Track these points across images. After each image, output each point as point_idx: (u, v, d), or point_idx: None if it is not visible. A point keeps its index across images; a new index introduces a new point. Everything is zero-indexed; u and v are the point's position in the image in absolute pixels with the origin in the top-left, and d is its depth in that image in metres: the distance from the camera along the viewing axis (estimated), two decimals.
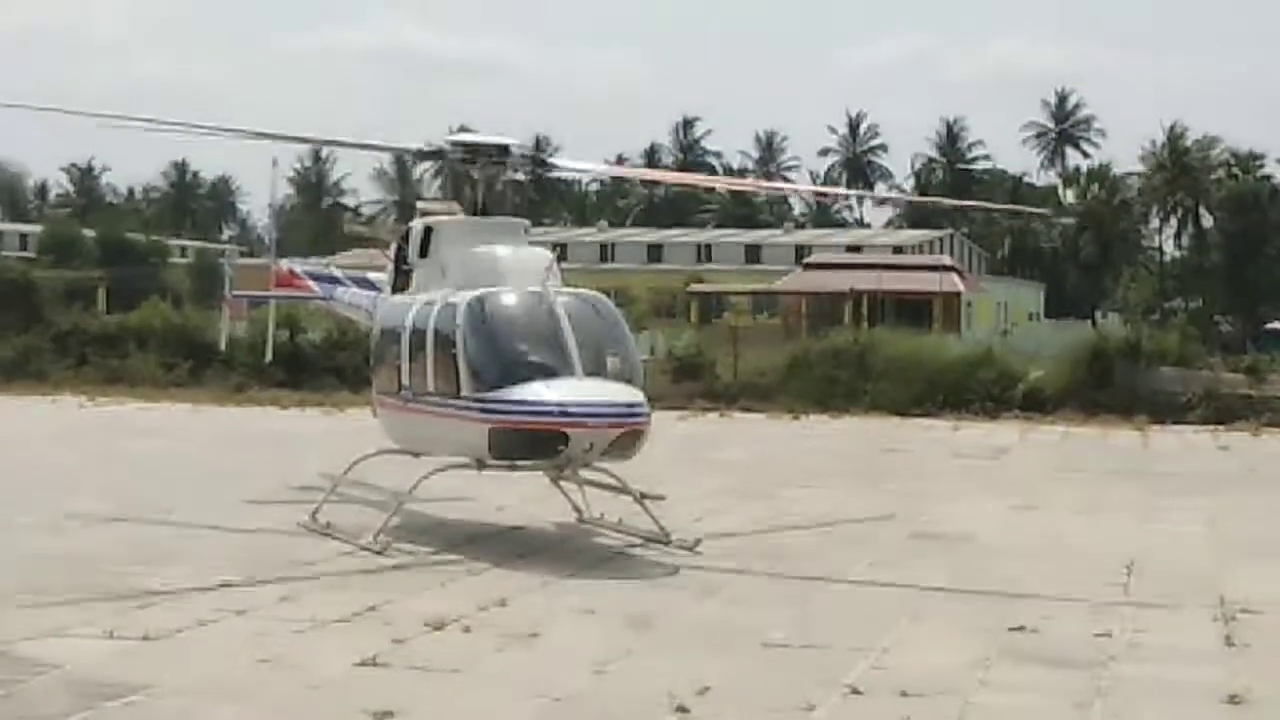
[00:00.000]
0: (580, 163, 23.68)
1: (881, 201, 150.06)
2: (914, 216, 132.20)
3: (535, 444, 18.49)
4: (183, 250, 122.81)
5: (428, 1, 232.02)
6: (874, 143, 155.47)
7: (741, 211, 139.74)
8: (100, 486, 24.73)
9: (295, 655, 13.30)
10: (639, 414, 18.71)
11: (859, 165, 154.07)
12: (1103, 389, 42.28)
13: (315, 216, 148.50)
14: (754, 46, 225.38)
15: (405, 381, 20.26)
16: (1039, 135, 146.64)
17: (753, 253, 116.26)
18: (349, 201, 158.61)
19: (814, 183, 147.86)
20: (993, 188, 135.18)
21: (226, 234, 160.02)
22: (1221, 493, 26.07)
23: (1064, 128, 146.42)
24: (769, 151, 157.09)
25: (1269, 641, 14.44)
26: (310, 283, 26.69)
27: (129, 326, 50.88)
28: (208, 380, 46.55)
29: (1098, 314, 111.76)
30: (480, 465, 19.34)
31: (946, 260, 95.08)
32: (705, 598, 16.33)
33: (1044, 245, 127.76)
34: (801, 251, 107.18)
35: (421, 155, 22.86)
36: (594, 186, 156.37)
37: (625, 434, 18.59)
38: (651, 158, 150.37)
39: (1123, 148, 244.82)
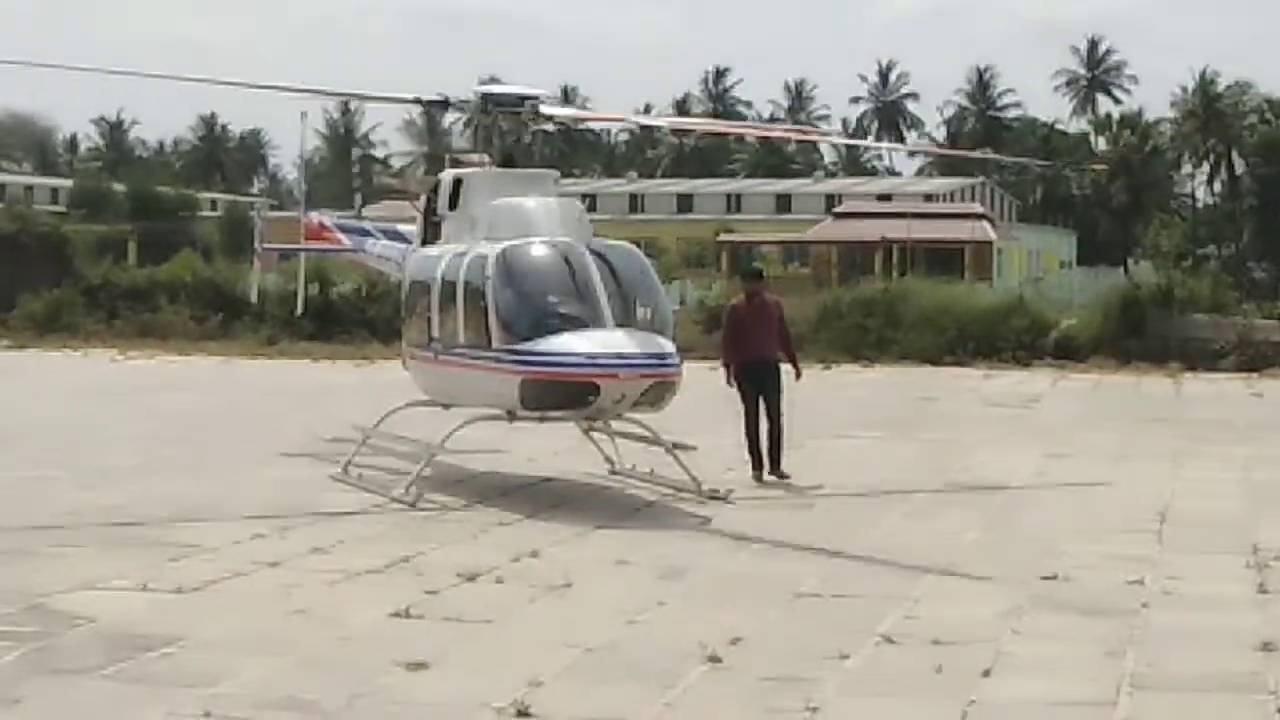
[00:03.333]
0: (610, 112, 23.58)
1: (913, 153, 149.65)
2: (945, 164, 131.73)
3: (566, 395, 18.49)
4: (213, 203, 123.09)
5: None
6: (905, 90, 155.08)
7: (771, 161, 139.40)
8: (132, 439, 24.82)
9: (328, 606, 13.33)
10: (670, 364, 18.68)
11: (890, 113, 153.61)
12: (1135, 336, 42.14)
13: (345, 169, 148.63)
14: None
15: (435, 333, 20.26)
16: (1070, 82, 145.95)
17: (783, 202, 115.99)
18: (378, 153, 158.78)
19: (845, 131, 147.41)
20: (1024, 135, 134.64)
21: (256, 187, 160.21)
22: (1255, 440, 25.98)
23: (1095, 74, 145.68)
24: (799, 100, 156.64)
25: None
26: (340, 235, 26.68)
27: (159, 280, 50.98)
28: (239, 333, 46.65)
29: (1130, 261, 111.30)
30: (511, 417, 19.35)
31: (978, 208, 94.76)
32: (737, 548, 16.33)
33: (1075, 193, 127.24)
34: (832, 200, 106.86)
35: (450, 106, 22.77)
36: (623, 137, 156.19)
37: (656, 384, 18.58)
38: (682, 108, 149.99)
39: (1155, 94, 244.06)
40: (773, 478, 20.58)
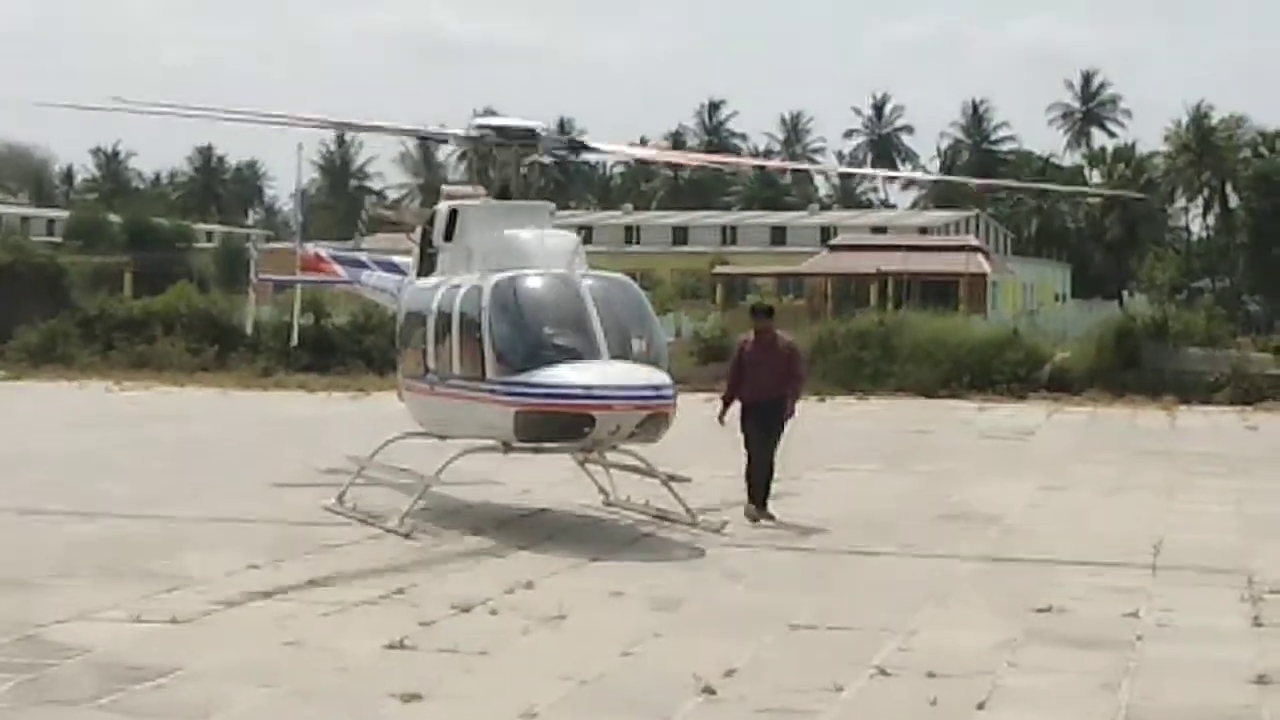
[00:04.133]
0: (606, 145, 23.66)
1: (908, 184, 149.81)
2: (939, 198, 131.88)
3: (561, 426, 18.50)
4: (209, 235, 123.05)
5: None
6: (899, 123, 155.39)
7: (766, 194, 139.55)
8: (127, 471, 24.80)
9: (322, 638, 13.32)
10: (665, 396, 18.69)
11: (884, 146, 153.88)
12: (1130, 369, 42.23)
13: (341, 200, 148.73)
14: (777, 29, 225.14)
15: (431, 364, 20.27)
16: (1064, 115, 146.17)
17: (778, 234, 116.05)
18: (374, 185, 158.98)
19: (840, 164, 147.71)
20: (1019, 168, 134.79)
21: (252, 218, 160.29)
22: (1249, 473, 26.01)
23: (1089, 108, 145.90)
24: (794, 133, 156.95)
25: None
26: (336, 267, 26.70)
27: (155, 311, 50.99)
28: (234, 364, 46.66)
29: (1124, 294, 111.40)
30: (506, 448, 19.35)
31: (972, 241, 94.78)
32: (732, 580, 16.33)
33: (1070, 226, 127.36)
34: (827, 233, 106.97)
35: (446, 139, 22.80)
36: (618, 170, 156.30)
37: (651, 416, 18.60)
38: (677, 141, 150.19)
39: (1148, 128, 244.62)
40: (765, 520, 20.00)
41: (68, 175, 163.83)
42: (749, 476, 20.17)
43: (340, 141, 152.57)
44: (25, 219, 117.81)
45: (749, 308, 23.53)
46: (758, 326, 20.50)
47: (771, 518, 19.94)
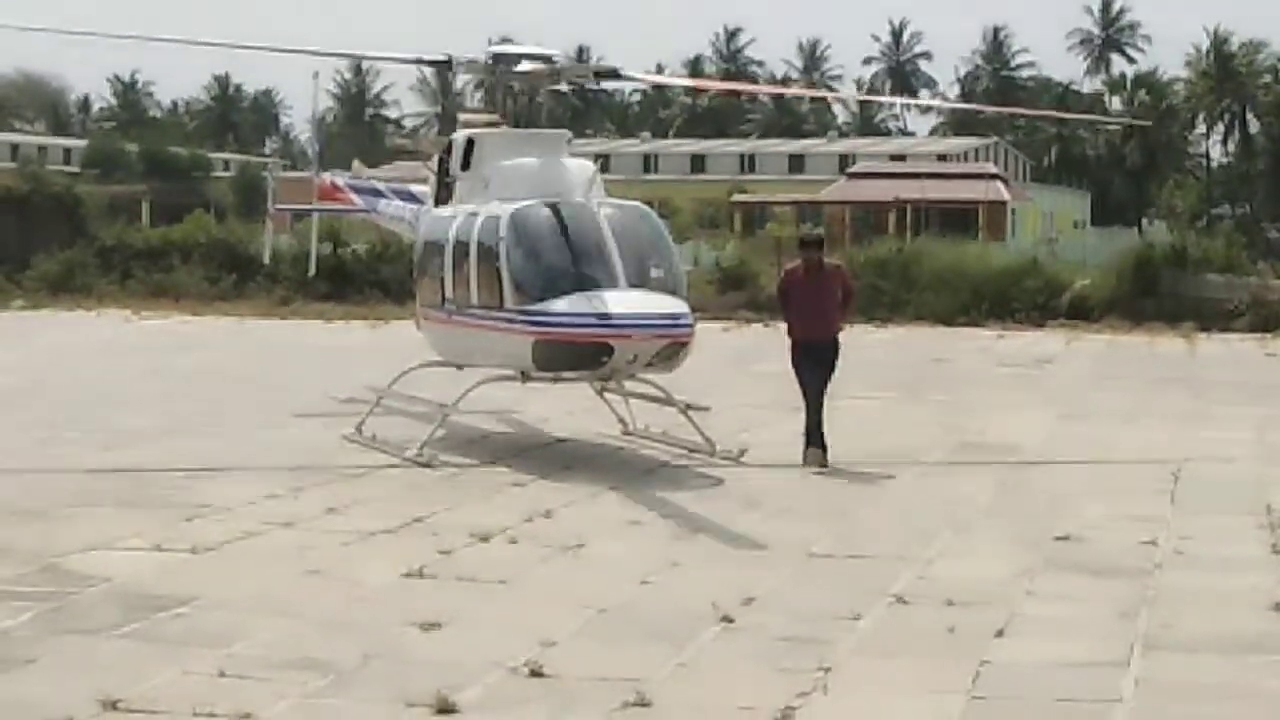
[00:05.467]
0: (624, 71, 23.54)
1: (926, 111, 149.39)
2: (959, 125, 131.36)
3: (579, 355, 18.51)
4: (226, 164, 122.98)
5: None
6: (918, 50, 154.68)
7: (785, 121, 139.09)
8: (146, 400, 24.84)
9: (342, 567, 13.37)
10: (683, 325, 18.68)
11: (903, 73, 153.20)
12: (1149, 297, 42.07)
13: (357, 129, 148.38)
14: None
15: (449, 294, 20.26)
16: (1084, 42, 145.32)
17: (796, 162, 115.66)
18: (391, 114, 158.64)
19: (859, 91, 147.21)
20: (1038, 95, 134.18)
21: (269, 147, 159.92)
22: (1269, 400, 25.93)
23: (1109, 34, 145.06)
24: (812, 60, 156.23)
25: None
26: (353, 196, 26.65)
27: (173, 240, 50.92)
28: (252, 294, 46.64)
29: (1144, 222, 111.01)
30: (525, 377, 19.37)
31: (991, 168, 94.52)
32: (750, 509, 16.34)
33: (1089, 153, 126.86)
34: (845, 161, 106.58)
35: (463, 67, 22.67)
36: (636, 98, 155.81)
37: (669, 345, 18.59)
38: (695, 68, 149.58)
39: (1168, 54, 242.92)
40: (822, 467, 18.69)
41: (84, 104, 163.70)
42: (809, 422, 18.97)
43: (357, 70, 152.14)
44: (42, 148, 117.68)
45: (798, 238, 22.10)
46: (807, 259, 19.41)
47: (825, 464, 18.74)
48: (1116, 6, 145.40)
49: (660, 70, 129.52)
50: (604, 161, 78.12)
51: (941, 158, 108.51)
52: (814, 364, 19.19)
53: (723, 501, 16.74)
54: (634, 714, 9.61)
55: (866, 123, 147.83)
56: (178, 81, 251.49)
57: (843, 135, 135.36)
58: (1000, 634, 11.38)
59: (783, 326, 19.99)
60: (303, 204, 30.05)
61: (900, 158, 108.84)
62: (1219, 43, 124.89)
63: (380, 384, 21.90)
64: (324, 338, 37.84)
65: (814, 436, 18.99)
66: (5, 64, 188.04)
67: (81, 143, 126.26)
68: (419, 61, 23.05)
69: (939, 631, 11.39)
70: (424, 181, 23.61)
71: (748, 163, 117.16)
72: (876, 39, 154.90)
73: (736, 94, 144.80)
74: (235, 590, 12.43)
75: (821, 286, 19.27)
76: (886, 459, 19.45)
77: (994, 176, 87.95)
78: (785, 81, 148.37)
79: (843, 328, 19.63)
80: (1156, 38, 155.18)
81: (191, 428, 21.81)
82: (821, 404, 19.13)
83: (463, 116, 23.66)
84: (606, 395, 21.13)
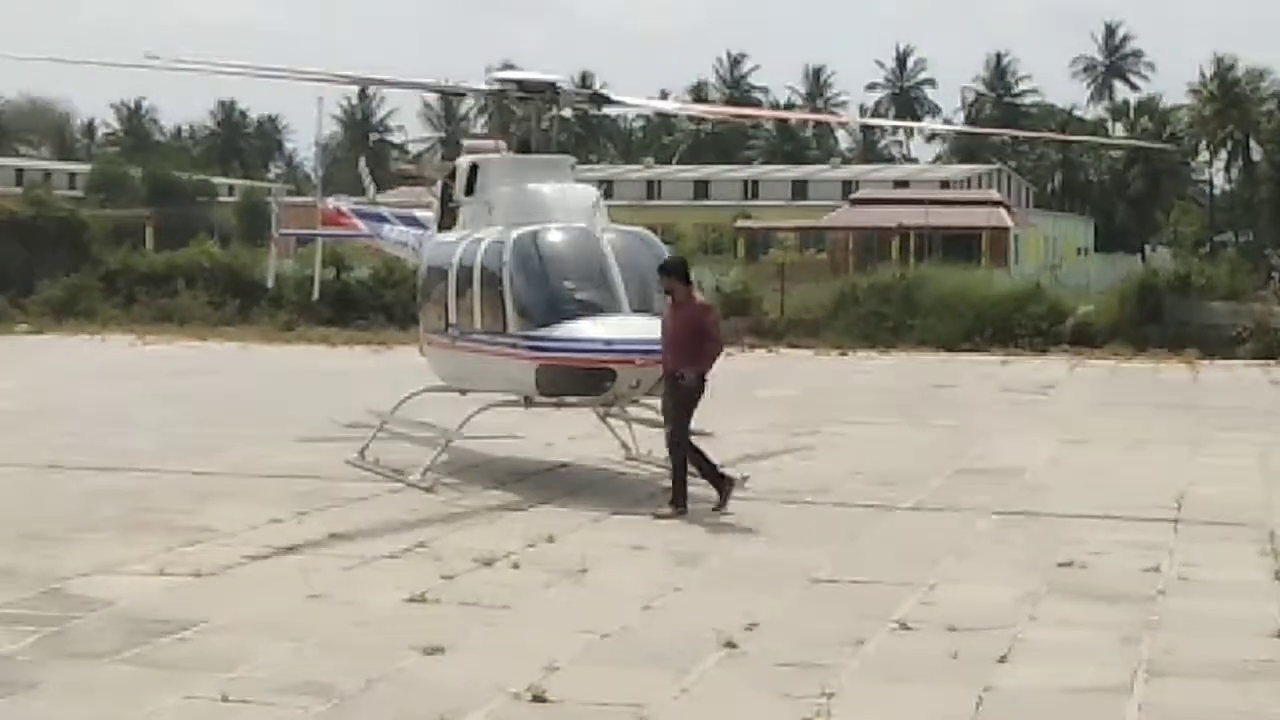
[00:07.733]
0: (628, 98, 23.63)
1: (930, 138, 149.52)
2: (962, 151, 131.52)
3: (582, 380, 18.52)
4: (230, 189, 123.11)
5: None
6: (922, 77, 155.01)
7: (788, 147, 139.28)
8: (150, 424, 24.85)
9: (345, 591, 13.37)
10: None
11: (907, 100, 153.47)
12: (1152, 323, 42.03)
13: (361, 153, 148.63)
14: None
15: (452, 319, 20.28)
16: (1087, 68, 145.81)
17: (799, 188, 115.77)
18: (395, 139, 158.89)
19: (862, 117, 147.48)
20: (1041, 122, 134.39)
21: (273, 172, 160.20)
22: (1272, 427, 25.91)
23: (1113, 60, 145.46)
24: (816, 86, 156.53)
25: None
26: (357, 221, 26.68)
27: (177, 265, 50.95)
28: (256, 318, 46.67)
29: (1147, 248, 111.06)
30: (528, 402, 19.37)
31: (994, 195, 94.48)
32: (753, 534, 16.35)
33: (1093, 179, 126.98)
34: (849, 187, 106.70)
35: (467, 92, 22.74)
36: (639, 124, 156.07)
37: None
38: (699, 94, 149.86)
39: (1172, 81, 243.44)
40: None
41: (89, 129, 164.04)
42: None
43: (361, 95, 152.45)
44: (47, 173, 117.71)
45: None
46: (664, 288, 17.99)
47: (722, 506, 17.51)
48: (1120, 34, 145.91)
49: (664, 96, 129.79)
50: (608, 187, 78.15)
51: (945, 184, 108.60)
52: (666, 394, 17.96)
53: (725, 527, 16.74)
54: None
55: (870, 149, 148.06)
56: (182, 106, 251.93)
57: (846, 162, 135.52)
58: (1003, 660, 11.37)
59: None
60: (307, 229, 30.09)
61: (904, 184, 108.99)
62: (1223, 69, 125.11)
63: (384, 409, 21.91)
64: (328, 362, 37.84)
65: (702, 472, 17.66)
66: (11, 88, 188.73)
67: (86, 167, 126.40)
68: (433, 88, 23.11)
69: (942, 657, 11.38)
70: (428, 207, 23.64)
71: (751, 189, 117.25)
72: (881, 65, 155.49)
73: (741, 120, 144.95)
74: (238, 614, 12.43)
75: (674, 318, 17.69)
76: (889, 484, 19.44)
77: (997, 203, 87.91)
78: (789, 108, 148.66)
79: (681, 374, 17.46)
80: (1160, 66, 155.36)
81: (195, 452, 21.80)
82: (676, 447, 17.64)
83: (467, 142, 23.63)
84: (609, 420, 21.13)
